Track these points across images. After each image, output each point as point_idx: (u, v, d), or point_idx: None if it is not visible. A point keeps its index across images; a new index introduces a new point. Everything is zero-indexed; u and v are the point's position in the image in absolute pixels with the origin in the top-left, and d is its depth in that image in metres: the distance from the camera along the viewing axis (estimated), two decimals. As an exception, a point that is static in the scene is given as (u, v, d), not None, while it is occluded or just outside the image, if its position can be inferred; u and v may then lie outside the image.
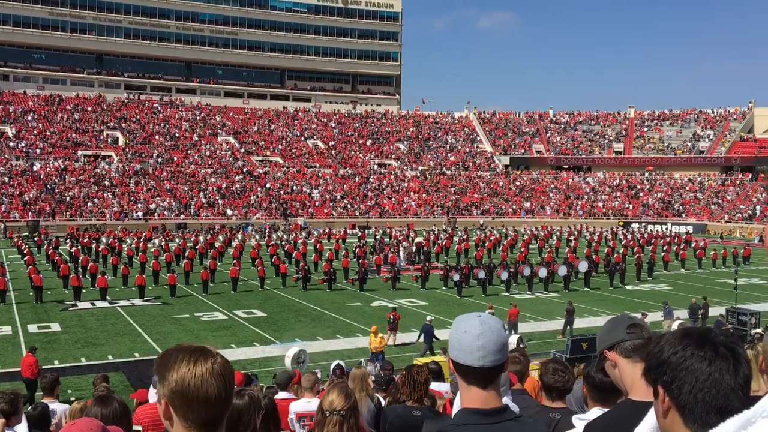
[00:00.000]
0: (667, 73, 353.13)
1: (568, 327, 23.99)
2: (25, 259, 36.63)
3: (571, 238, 51.13)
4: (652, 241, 50.96)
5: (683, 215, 72.83)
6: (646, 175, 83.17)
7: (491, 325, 2.20)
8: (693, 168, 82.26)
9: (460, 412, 2.23)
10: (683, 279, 38.31)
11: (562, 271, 34.11)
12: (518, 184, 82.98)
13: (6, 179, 61.95)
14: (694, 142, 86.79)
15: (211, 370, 1.85)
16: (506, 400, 2.26)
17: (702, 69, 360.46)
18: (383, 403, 6.90)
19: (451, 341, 2.24)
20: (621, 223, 69.66)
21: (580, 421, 2.73)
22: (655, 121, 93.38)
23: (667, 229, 65.68)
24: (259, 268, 33.41)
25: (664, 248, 45.80)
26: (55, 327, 24.20)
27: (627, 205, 76.86)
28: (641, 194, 79.12)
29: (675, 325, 19.98)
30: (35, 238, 47.99)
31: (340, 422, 3.26)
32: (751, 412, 1.27)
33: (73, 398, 14.36)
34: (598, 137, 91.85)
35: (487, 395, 2.18)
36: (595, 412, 2.87)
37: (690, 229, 65.31)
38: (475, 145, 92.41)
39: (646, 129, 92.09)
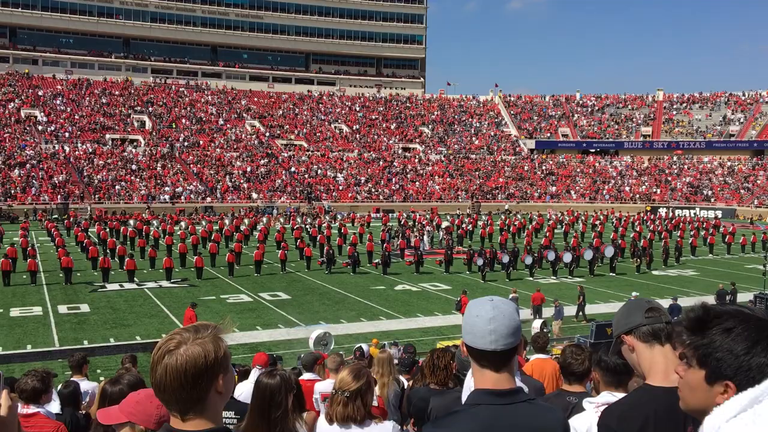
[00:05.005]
0: (697, 56, 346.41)
1: (581, 312, 24.01)
2: (54, 241, 37.32)
3: (597, 222, 50.65)
4: (680, 226, 50.34)
5: (712, 200, 71.73)
6: (675, 159, 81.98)
7: (503, 310, 2.22)
8: (723, 152, 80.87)
9: (473, 392, 2.25)
10: (711, 264, 37.82)
11: (588, 255, 33.86)
12: (544, 168, 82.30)
13: (35, 162, 62.96)
14: (724, 126, 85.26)
15: (162, 357, 1.92)
16: (517, 381, 2.29)
17: (733, 51, 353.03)
18: (406, 385, 6.97)
19: (464, 325, 2.27)
20: (648, 208, 68.83)
21: (590, 404, 2.75)
22: (685, 104, 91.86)
23: (695, 214, 64.76)
24: (280, 252, 33.63)
25: (692, 233, 45.21)
26: (85, 308, 24.67)
27: (654, 190, 75.89)
28: (669, 178, 78.05)
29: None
30: (64, 221, 48.80)
31: (344, 402, 3.36)
32: (758, 390, 1.27)
33: (102, 378, 14.67)
34: (625, 120, 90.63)
35: (500, 377, 2.21)
36: (605, 395, 2.88)
37: (719, 213, 64.31)
38: (501, 129, 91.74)
39: (675, 112, 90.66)
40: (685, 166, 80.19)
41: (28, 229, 41.21)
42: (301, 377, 7.01)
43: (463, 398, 2.42)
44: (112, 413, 2.63)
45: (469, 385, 2.51)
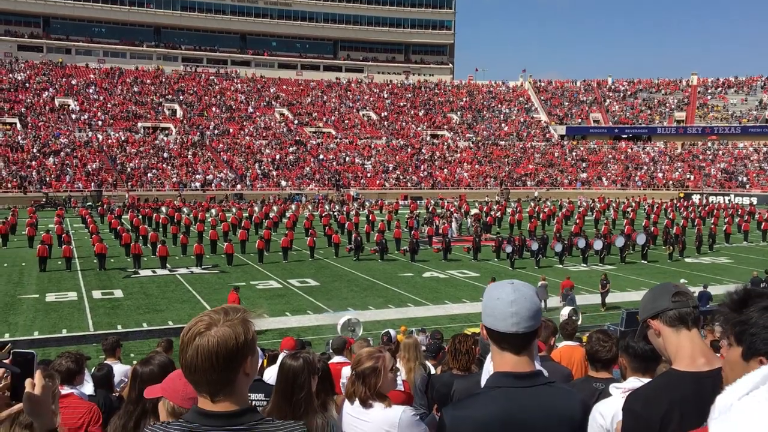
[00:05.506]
0: (733, 38, 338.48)
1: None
2: (88, 228, 38.01)
3: (629, 209, 49.99)
4: (714, 213, 49.47)
5: (747, 186, 70.30)
6: (709, 144, 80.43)
7: (524, 292, 2.21)
8: (759, 137, 79.11)
9: (493, 375, 2.25)
10: (745, 252, 37.13)
11: (620, 242, 33.48)
12: (575, 154, 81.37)
13: (69, 150, 64.07)
14: (760, 110, 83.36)
15: (193, 338, 1.91)
16: (536, 364, 2.29)
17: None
18: (432, 370, 7.00)
19: (485, 308, 2.26)
20: (682, 195, 67.72)
21: (617, 390, 2.73)
22: (720, 89, 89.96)
23: (729, 200, 63.56)
24: (309, 239, 33.84)
25: (726, 220, 44.41)
26: (118, 293, 25.12)
27: (688, 176, 74.62)
28: (703, 165, 76.64)
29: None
30: (98, 208, 49.66)
31: (352, 381, 3.48)
32: None
33: (135, 361, 14.95)
34: (658, 106, 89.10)
35: (520, 360, 2.21)
36: (632, 381, 2.86)
37: (754, 200, 63.06)
38: (530, 115, 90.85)
39: (709, 97, 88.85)
40: (720, 152, 78.63)
41: (63, 216, 42.02)
42: (331, 360, 7.08)
43: (482, 382, 2.42)
44: (154, 388, 2.71)
45: (488, 368, 2.51)
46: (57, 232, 34.65)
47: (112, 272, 28.96)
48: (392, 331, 13.53)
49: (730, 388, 1.27)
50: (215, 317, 1.94)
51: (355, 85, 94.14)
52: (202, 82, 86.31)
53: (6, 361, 2.33)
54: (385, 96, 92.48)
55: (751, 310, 1.56)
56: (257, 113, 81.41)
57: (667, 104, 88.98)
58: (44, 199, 54.15)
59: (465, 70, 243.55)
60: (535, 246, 32.30)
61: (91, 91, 78.01)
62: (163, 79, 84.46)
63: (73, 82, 78.68)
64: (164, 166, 65.21)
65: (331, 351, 8.60)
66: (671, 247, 34.60)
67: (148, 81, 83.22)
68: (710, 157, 78.25)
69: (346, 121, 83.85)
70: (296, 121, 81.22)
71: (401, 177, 71.37)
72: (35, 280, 27.16)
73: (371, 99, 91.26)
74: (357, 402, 3.41)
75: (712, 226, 40.59)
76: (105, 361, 7.64)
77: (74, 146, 65.10)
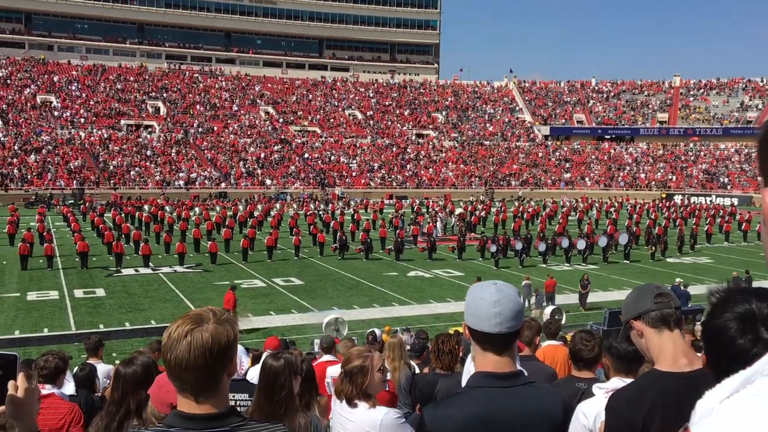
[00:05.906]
0: (715, 41, 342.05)
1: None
2: (70, 226, 37.64)
3: (612, 210, 50.38)
4: (696, 214, 49.96)
5: (728, 187, 71.06)
6: (691, 145, 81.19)
7: (507, 293, 2.22)
8: (740, 138, 79.99)
9: (474, 375, 2.26)
10: (726, 252, 37.54)
11: (602, 242, 33.72)
12: (558, 154, 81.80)
13: (51, 148, 63.42)
14: (741, 112, 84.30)
15: (185, 335, 1.85)
16: (517, 365, 2.30)
17: (751, 36, 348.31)
18: (417, 370, 7.02)
19: (468, 308, 2.27)
20: (664, 195, 68.30)
21: (600, 390, 2.75)
22: (702, 90, 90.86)
23: (711, 201, 64.22)
24: (294, 238, 33.76)
25: (707, 221, 44.86)
26: (100, 292, 24.91)
27: (670, 177, 75.28)
28: (685, 165, 77.35)
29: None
30: (80, 206, 49.20)
31: (341, 379, 3.50)
32: (750, 370, 1.27)
33: (117, 361, 14.83)
34: (641, 107, 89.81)
35: (502, 360, 2.22)
36: (614, 381, 2.89)
37: (735, 201, 63.76)
38: (515, 115, 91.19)
39: (691, 98, 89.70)
40: (702, 153, 79.41)
41: (44, 214, 41.59)
42: (320, 359, 7.08)
43: (463, 382, 2.43)
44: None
45: (469, 368, 2.52)
46: (38, 230, 34.30)
47: (94, 271, 28.71)
48: (377, 331, 13.53)
49: (710, 392, 1.28)
50: (205, 315, 1.91)
51: (340, 84, 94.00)
52: (186, 79, 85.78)
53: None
54: (371, 95, 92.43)
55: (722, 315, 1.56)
56: (242, 111, 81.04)
57: (650, 105, 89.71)
58: (34, 197, 53.72)
59: (450, 70, 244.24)
60: (519, 245, 32.45)
61: (73, 88, 77.26)
62: (147, 77, 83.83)
63: (56, 78, 77.89)
64: (147, 164, 64.72)
65: (319, 350, 8.60)
66: (653, 247, 34.90)
67: (132, 78, 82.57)
68: (692, 158, 79.01)
69: (332, 120, 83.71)
70: (281, 120, 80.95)
71: (386, 176, 71.38)
72: (16, 279, 26.87)
73: (356, 98, 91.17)
74: (344, 402, 3.41)
75: (694, 226, 41.02)
76: (87, 361, 7.58)
77: (56, 144, 64.44)
